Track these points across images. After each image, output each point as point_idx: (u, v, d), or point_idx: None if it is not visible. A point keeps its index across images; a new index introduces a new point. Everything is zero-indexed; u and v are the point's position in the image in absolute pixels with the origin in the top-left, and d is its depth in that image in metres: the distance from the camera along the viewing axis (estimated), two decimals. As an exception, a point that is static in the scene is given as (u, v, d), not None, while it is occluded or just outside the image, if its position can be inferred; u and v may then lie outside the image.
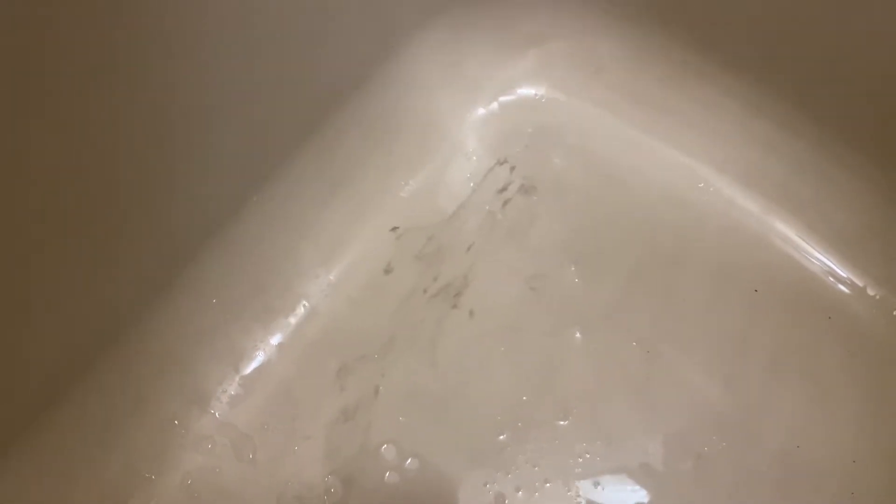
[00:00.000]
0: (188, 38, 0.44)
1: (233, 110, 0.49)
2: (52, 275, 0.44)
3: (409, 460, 0.51)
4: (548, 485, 0.51)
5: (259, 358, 0.54)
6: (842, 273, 0.56)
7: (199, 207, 0.51)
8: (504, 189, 0.60)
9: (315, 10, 0.51)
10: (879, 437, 0.52)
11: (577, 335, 0.55)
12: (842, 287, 0.56)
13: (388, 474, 0.51)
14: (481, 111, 0.63)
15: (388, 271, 0.58)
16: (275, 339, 0.55)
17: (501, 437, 0.52)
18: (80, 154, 0.42)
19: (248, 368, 0.54)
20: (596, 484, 0.51)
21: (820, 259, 0.57)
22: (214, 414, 0.52)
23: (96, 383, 0.49)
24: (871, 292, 0.55)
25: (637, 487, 0.51)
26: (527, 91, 0.63)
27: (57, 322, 0.46)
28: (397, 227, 0.59)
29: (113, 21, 0.39)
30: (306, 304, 0.56)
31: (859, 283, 0.56)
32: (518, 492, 0.50)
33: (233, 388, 0.53)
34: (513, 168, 0.61)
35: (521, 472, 0.51)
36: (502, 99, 0.63)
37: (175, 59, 0.44)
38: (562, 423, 0.52)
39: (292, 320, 0.55)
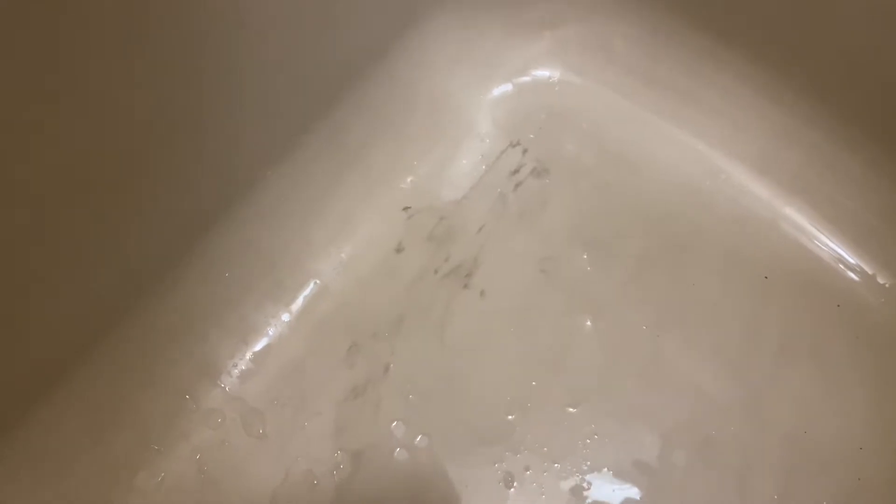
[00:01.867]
0: (207, 14, 0.44)
1: (249, 86, 0.49)
2: (64, 245, 0.44)
3: (418, 438, 0.52)
4: (556, 465, 0.51)
5: (270, 333, 0.54)
6: (852, 261, 0.56)
7: (214, 181, 0.51)
8: (516, 171, 0.60)
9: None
10: (887, 425, 0.52)
11: (587, 318, 0.55)
12: (851, 275, 0.56)
13: (397, 451, 0.51)
14: (495, 92, 0.62)
15: (399, 251, 0.58)
16: (286, 316, 0.55)
17: (510, 417, 0.52)
18: (99, 121, 0.42)
19: (259, 344, 0.54)
20: (604, 465, 0.51)
21: (830, 247, 0.57)
22: (224, 388, 0.52)
23: (107, 355, 0.49)
24: (880, 280, 0.56)
25: (644, 469, 0.51)
26: (541, 73, 0.63)
27: (68, 294, 0.46)
28: (409, 207, 0.59)
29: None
30: (317, 282, 0.56)
31: (869, 270, 0.56)
32: (527, 471, 0.51)
33: (243, 363, 0.53)
34: (525, 150, 0.61)
35: (530, 452, 0.51)
36: (516, 80, 0.63)
37: (195, 34, 0.44)
38: (571, 404, 0.52)
39: (303, 297, 0.55)
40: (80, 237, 0.44)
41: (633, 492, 0.50)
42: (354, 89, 0.57)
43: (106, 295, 0.48)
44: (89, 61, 0.39)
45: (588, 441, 0.52)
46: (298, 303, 0.55)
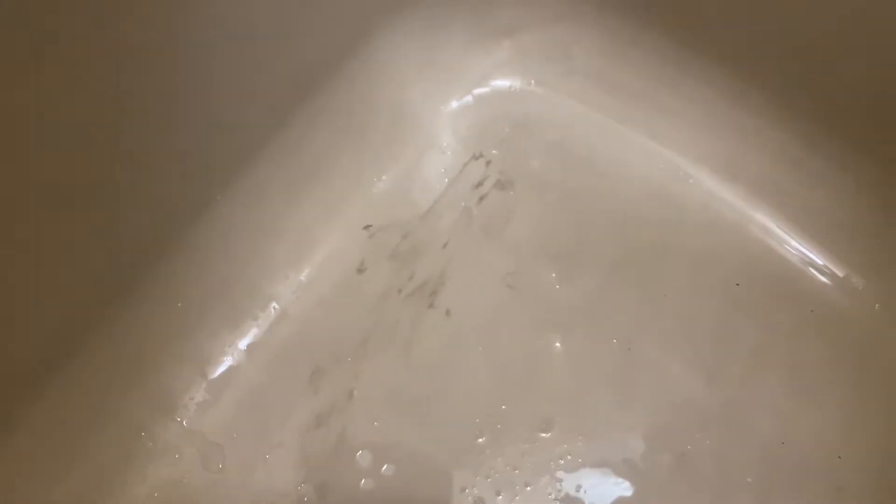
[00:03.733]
0: (150, 26, 0.42)
1: (196, 103, 0.48)
2: (7, 279, 0.42)
3: (384, 466, 0.50)
4: (528, 488, 0.49)
5: (227, 363, 0.52)
6: (823, 264, 0.55)
7: (161, 207, 0.49)
8: (480, 184, 0.59)
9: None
10: (865, 431, 0.51)
11: (556, 333, 0.54)
12: (823, 278, 0.55)
13: (363, 481, 0.49)
14: (455, 104, 0.61)
15: (361, 270, 0.56)
16: (243, 343, 0.53)
17: (480, 439, 0.51)
18: (39, 140, 0.40)
19: (216, 373, 0.52)
20: (578, 487, 0.49)
21: (801, 250, 0.56)
22: (181, 422, 0.50)
23: (55, 392, 0.47)
24: (853, 282, 0.55)
25: (619, 486, 0.50)
26: (502, 83, 0.62)
27: (10, 331, 0.43)
28: (370, 225, 0.57)
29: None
30: (276, 306, 0.54)
31: (840, 273, 0.55)
32: (498, 496, 0.49)
33: (200, 395, 0.51)
34: (488, 162, 0.60)
35: (501, 475, 0.50)
36: (477, 91, 0.62)
37: (133, 49, 0.42)
38: (542, 423, 0.51)
39: (262, 323, 0.54)
40: (19, 268, 0.42)
41: (609, 509, 0.49)
42: (310, 103, 0.55)
43: (51, 329, 0.46)
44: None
45: (561, 461, 0.50)
46: (257, 329, 0.53)
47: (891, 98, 0.50)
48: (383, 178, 0.58)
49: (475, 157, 0.60)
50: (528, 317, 0.55)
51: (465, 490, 0.49)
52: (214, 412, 0.51)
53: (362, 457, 0.50)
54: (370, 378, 0.53)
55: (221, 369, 0.52)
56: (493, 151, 0.60)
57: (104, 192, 0.45)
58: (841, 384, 0.52)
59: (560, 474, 0.50)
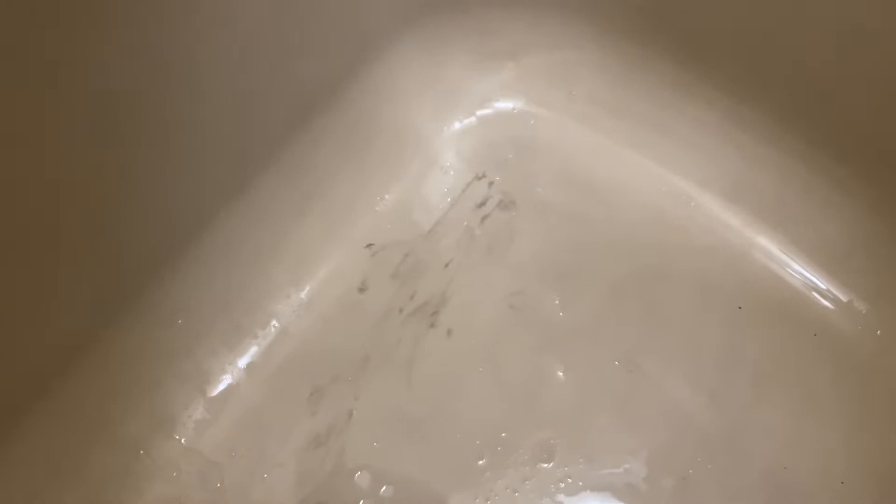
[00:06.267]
0: (156, 44, 0.42)
1: (200, 122, 0.48)
2: (4, 294, 0.42)
3: (383, 487, 0.49)
4: (529, 511, 0.49)
5: (227, 381, 0.52)
6: (826, 288, 0.55)
7: (163, 223, 0.49)
8: (483, 204, 0.59)
9: (288, 19, 0.50)
10: (868, 457, 0.50)
11: (558, 354, 0.54)
12: (826, 303, 0.55)
13: (361, 502, 0.49)
14: (458, 124, 0.61)
15: (362, 289, 0.56)
16: (243, 361, 0.53)
17: (481, 461, 0.50)
18: (39, 156, 0.40)
19: (216, 391, 0.52)
20: (578, 509, 0.49)
21: (804, 274, 0.56)
22: (180, 440, 0.50)
23: (53, 409, 0.46)
24: (857, 307, 0.54)
25: (621, 511, 0.49)
26: (505, 105, 0.62)
27: (8, 345, 0.43)
28: (372, 244, 0.57)
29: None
30: (276, 325, 0.54)
31: (844, 298, 0.55)
32: (498, 519, 0.49)
33: (199, 413, 0.51)
34: (491, 183, 0.60)
35: (501, 498, 0.49)
36: (480, 112, 0.62)
37: (138, 65, 0.42)
38: (543, 445, 0.51)
39: (262, 341, 0.53)
40: (17, 282, 0.42)
41: (611, 533, 0.49)
42: (313, 122, 0.55)
43: (49, 345, 0.45)
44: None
45: (562, 485, 0.50)
46: (256, 347, 0.53)
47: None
48: (386, 197, 0.58)
49: (478, 178, 0.60)
50: (529, 337, 0.54)
51: (464, 513, 0.49)
52: (213, 431, 0.51)
53: (361, 477, 0.50)
54: (370, 398, 0.52)
55: (221, 387, 0.52)
56: (497, 172, 0.60)
57: (105, 207, 0.44)
58: (844, 409, 0.52)
59: (560, 497, 0.49)
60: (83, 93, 0.40)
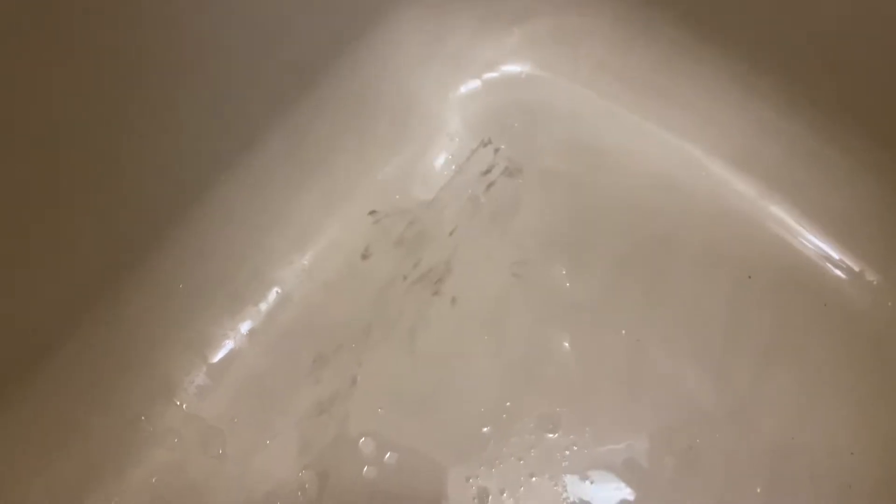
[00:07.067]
0: (154, 8, 0.41)
1: (200, 84, 0.47)
2: (3, 258, 0.41)
3: (388, 454, 0.49)
4: (533, 479, 0.48)
5: (229, 347, 0.51)
6: (838, 258, 0.54)
7: (164, 188, 0.48)
8: (488, 171, 0.58)
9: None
10: (877, 428, 0.50)
11: (563, 322, 0.53)
12: (838, 272, 0.54)
13: (366, 469, 0.49)
14: (463, 90, 0.60)
15: (365, 257, 0.55)
16: (245, 327, 0.52)
17: (485, 429, 0.50)
18: (38, 122, 0.39)
19: (217, 357, 0.51)
20: (583, 478, 0.48)
21: (816, 244, 0.55)
22: (181, 406, 0.50)
23: (54, 374, 0.46)
24: (868, 277, 0.54)
25: (626, 480, 0.49)
26: (511, 69, 0.61)
27: (10, 310, 0.43)
28: (375, 211, 0.56)
29: None
30: (279, 291, 0.53)
31: (856, 267, 0.54)
32: (502, 486, 0.48)
33: (201, 379, 0.50)
34: (497, 150, 0.59)
35: (506, 466, 0.49)
36: (486, 77, 0.60)
37: (140, 22, 0.41)
38: (548, 414, 0.50)
39: (264, 307, 0.53)
40: (19, 247, 0.42)
41: (615, 502, 0.48)
42: (316, 87, 0.54)
43: (49, 310, 0.45)
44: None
45: (566, 452, 0.49)
46: (259, 313, 0.52)
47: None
48: (390, 163, 0.58)
49: (483, 144, 0.59)
50: (534, 306, 0.54)
51: (468, 480, 0.48)
52: (215, 397, 0.50)
53: (365, 444, 0.49)
54: (374, 365, 0.52)
55: (222, 353, 0.51)
56: (502, 139, 0.59)
57: (105, 166, 0.44)
58: (853, 380, 0.51)
59: (566, 465, 0.49)
60: (86, 46, 0.39)
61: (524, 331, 0.53)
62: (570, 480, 0.48)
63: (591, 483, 0.48)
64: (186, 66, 0.45)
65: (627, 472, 0.49)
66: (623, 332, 0.53)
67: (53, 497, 0.45)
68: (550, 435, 0.50)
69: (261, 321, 0.52)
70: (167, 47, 0.44)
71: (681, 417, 0.50)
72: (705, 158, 0.57)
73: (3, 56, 0.36)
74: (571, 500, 0.48)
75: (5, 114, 0.38)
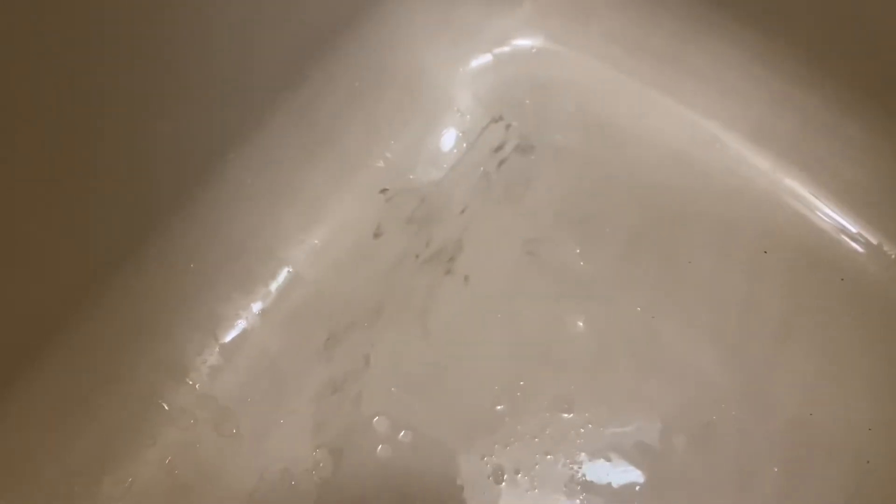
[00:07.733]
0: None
1: (207, 61, 0.46)
2: (17, 235, 0.41)
3: (402, 433, 0.49)
4: (549, 456, 0.48)
5: (241, 326, 0.51)
6: (855, 231, 0.54)
7: (173, 166, 0.47)
8: (500, 148, 0.57)
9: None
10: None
11: (577, 300, 0.53)
12: (855, 246, 0.53)
13: (380, 447, 0.48)
14: (474, 64, 0.59)
15: (377, 235, 0.54)
16: (257, 307, 0.52)
17: (499, 407, 0.49)
18: (48, 101, 0.39)
19: (229, 337, 0.51)
20: (599, 456, 0.48)
21: (832, 217, 0.54)
22: (194, 386, 0.49)
23: (64, 355, 0.46)
24: (886, 250, 0.53)
25: (641, 459, 0.48)
26: (523, 42, 0.60)
27: (20, 290, 0.42)
28: (386, 189, 0.55)
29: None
30: (290, 270, 0.53)
31: (874, 241, 0.53)
32: (517, 465, 0.48)
33: (213, 359, 0.50)
34: (508, 126, 0.58)
35: (521, 444, 0.48)
36: (497, 51, 0.59)
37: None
38: (562, 391, 0.50)
39: (274, 287, 0.52)
40: (29, 226, 0.41)
41: (630, 480, 0.48)
42: (324, 63, 0.53)
43: (60, 290, 0.45)
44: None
45: (582, 430, 0.49)
46: (270, 293, 0.52)
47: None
48: (400, 140, 0.57)
49: (494, 121, 0.58)
50: (548, 283, 0.53)
51: (483, 458, 0.48)
52: (228, 376, 0.50)
53: (379, 423, 0.49)
54: (386, 344, 0.51)
55: (234, 333, 0.51)
56: (514, 114, 0.58)
57: (113, 145, 0.43)
58: (871, 355, 0.51)
59: (581, 443, 0.48)
60: (99, 21, 0.39)
61: (538, 309, 0.53)
62: (586, 459, 0.48)
63: (607, 461, 0.48)
64: (196, 42, 0.45)
65: (642, 450, 0.49)
66: (638, 309, 0.52)
67: (70, 478, 0.45)
68: (565, 414, 0.49)
69: (272, 301, 0.52)
70: (175, 23, 0.43)
71: (696, 395, 0.50)
72: (721, 133, 0.57)
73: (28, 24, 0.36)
74: (587, 478, 0.48)
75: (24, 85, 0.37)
